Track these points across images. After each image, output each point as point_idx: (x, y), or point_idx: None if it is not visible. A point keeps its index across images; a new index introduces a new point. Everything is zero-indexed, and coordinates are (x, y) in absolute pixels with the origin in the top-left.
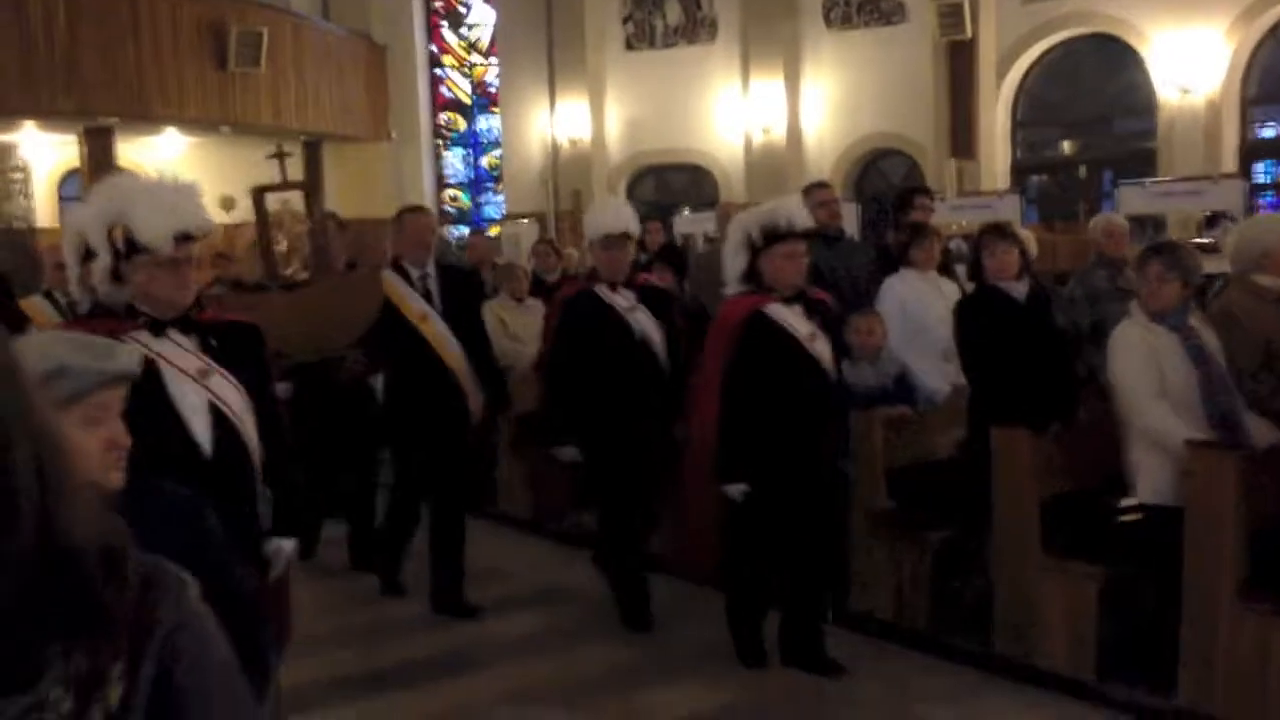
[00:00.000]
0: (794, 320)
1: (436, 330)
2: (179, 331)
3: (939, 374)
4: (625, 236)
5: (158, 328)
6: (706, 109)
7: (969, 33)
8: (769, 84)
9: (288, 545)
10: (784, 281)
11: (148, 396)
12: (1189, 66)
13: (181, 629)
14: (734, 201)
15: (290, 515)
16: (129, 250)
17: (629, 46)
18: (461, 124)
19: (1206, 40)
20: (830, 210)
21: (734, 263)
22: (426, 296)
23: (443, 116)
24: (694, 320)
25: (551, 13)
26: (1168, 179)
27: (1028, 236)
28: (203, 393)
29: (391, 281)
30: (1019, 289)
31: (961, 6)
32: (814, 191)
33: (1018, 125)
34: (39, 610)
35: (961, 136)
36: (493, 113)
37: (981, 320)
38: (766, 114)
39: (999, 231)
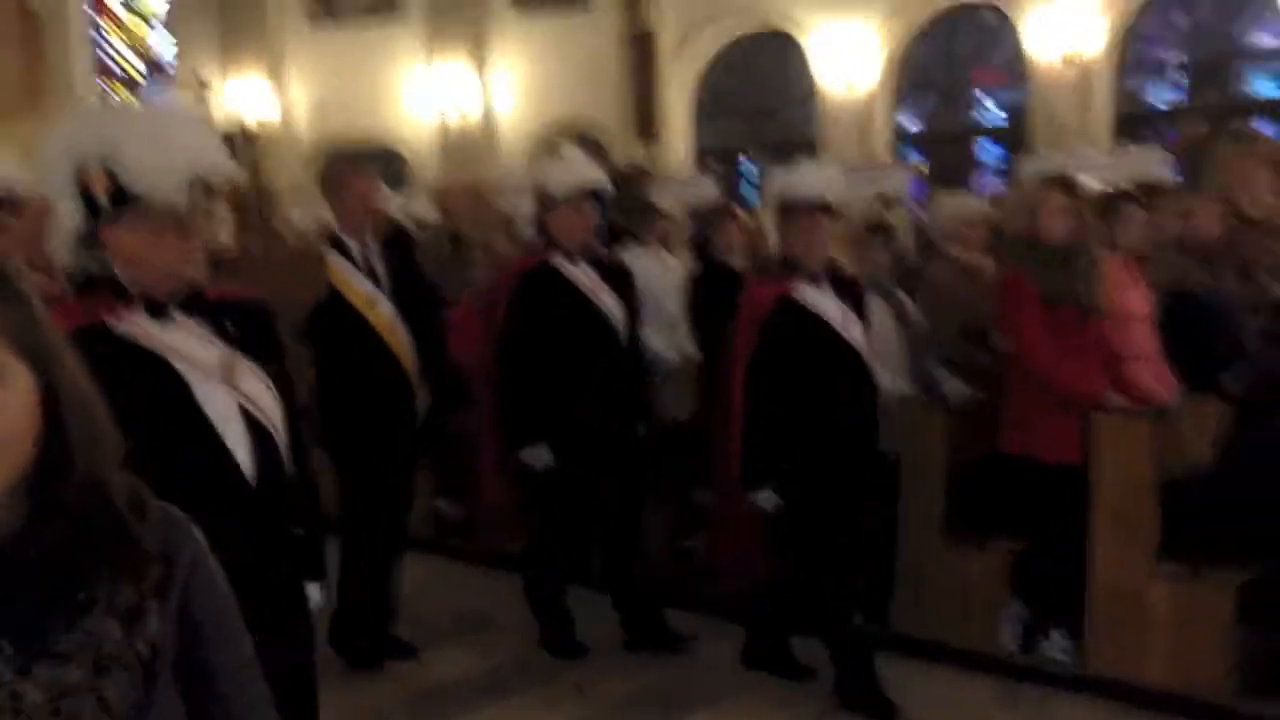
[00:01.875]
0: (825, 303)
1: (386, 318)
2: (183, 313)
3: (667, 343)
4: (596, 195)
5: (156, 309)
6: (396, 90)
7: (649, 24)
8: (455, 65)
9: (316, 594)
10: (807, 258)
11: (167, 404)
12: (847, 62)
13: (196, 565)
14: (450, 186)
15: (318, 553)
16: (116, 201)
17: (312, 22)
18: (127, 99)
19: (862, 36)
20: None
21: (773, 237)
22: (371, 276)
23: (108, 91)
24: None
25: None
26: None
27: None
28: (230, 395)
29: (332, 259)
30: (741, 263)
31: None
32: None
33: (697, 113)
34: (86, 547)
35: (646, 122)
36: (168, 88)
37: (712, 293)
38: (457, 96)
39: (726, 211)
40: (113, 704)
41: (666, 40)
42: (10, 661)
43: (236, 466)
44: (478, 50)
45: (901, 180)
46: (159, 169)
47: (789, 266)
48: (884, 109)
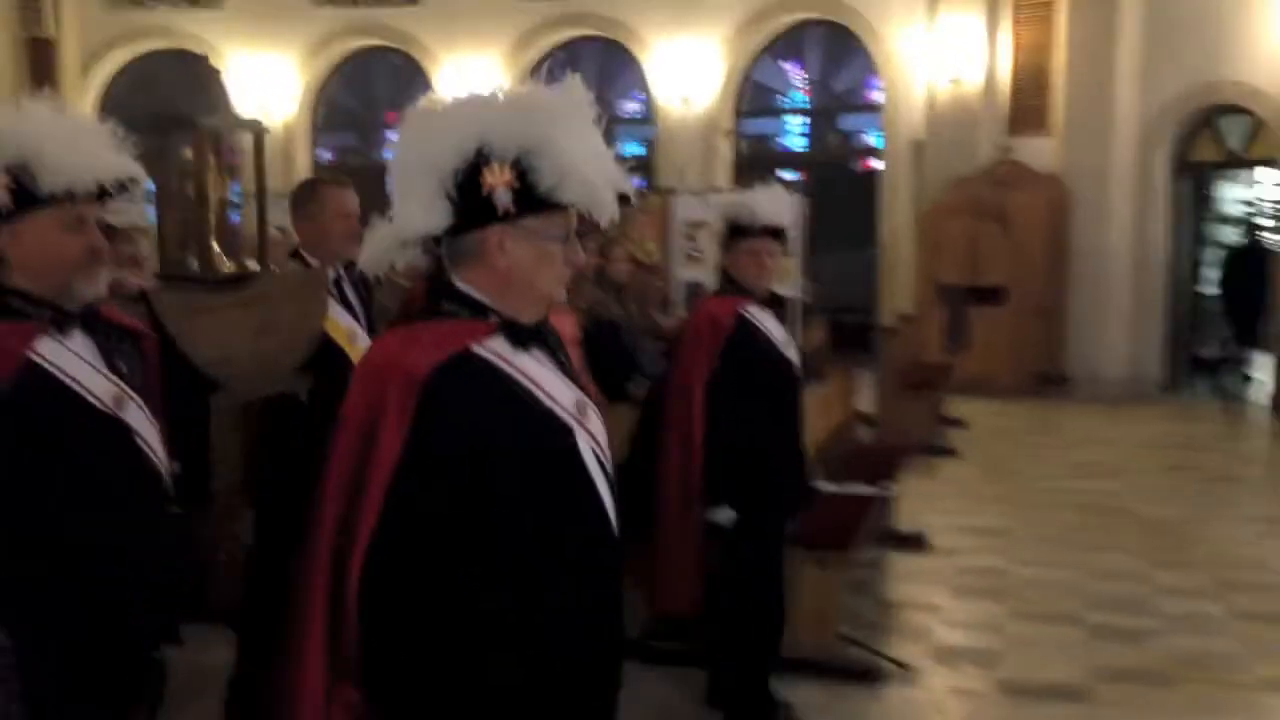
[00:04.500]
0: (770, 324)
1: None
2: (538, 343)
3: None
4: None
5: (518, 335)
6: None
7: (51, 31)
8: None
9: None
10: (751, 281)
11: (550, 447)
12: (264, 93)
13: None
14: None
15: None
16: (520, 204)
17: None
18: None
19: (281, 68)
20: None
21: (716, 255)
22: (346, 306)
23: None
24: None
25: None
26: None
27: None
28: (587, 438)
29: None
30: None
31: (42, 4)
32: None
33: None
34: None
35: None
36: None
37: None
38: None
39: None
40: None
41: (70, 51)
42: None
43: (608, 517)
44: None
45: None
46: (597, 174)
47: (739, 289)
48: (303, 140)
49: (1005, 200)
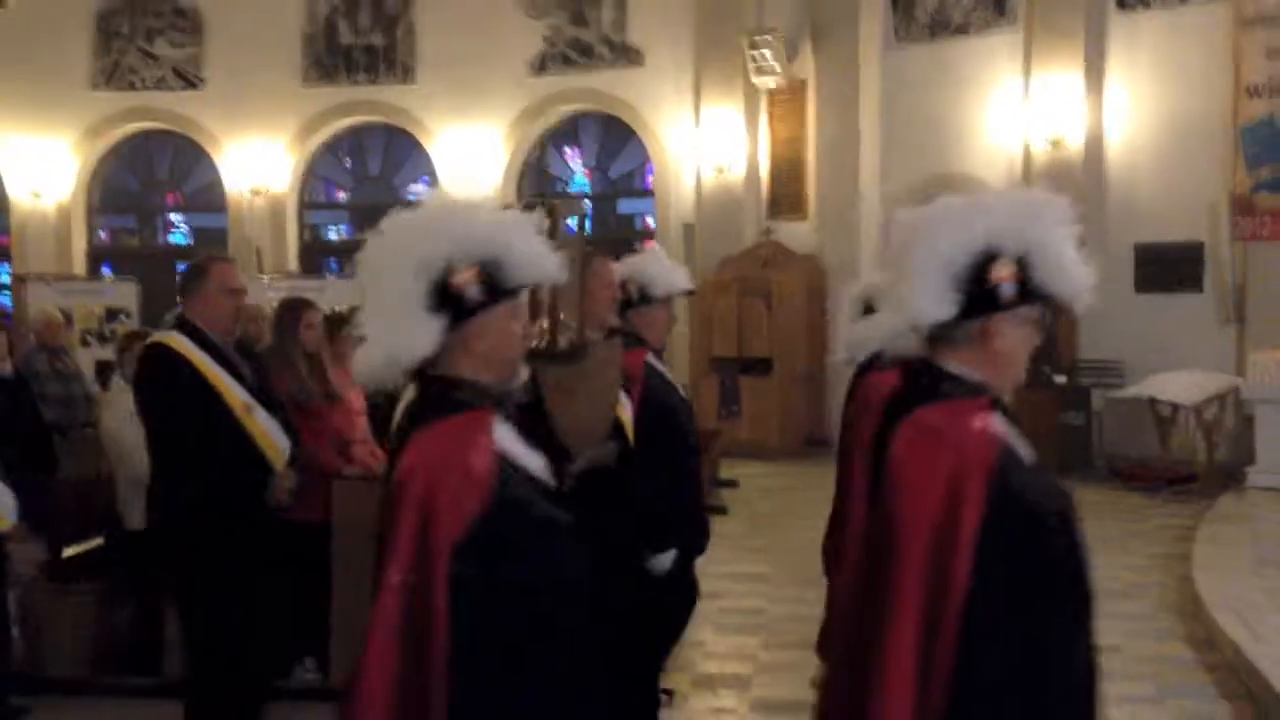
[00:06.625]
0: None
1: None
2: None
3: None
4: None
5: (1005, 411)
6: None
7: None
8: None
9: None
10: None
11: (1070, 510)
12: (40, 174)
13: None
14: None
15: None
16: (1020, 296)
17: None
18: None
19: (56, 151)
20: None
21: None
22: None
23: None
24: None
25: None
26: (79, 277)
27: None
28: None
29: None
30: (5, 369)
31: None
32: None
33: None
34: None
35: None
36: None
37: None
38: None
39: None
40: None
41: None
42: None
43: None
44: None
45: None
46: (1080, 271)
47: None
48: (80, 221)
49: (769, 278)
